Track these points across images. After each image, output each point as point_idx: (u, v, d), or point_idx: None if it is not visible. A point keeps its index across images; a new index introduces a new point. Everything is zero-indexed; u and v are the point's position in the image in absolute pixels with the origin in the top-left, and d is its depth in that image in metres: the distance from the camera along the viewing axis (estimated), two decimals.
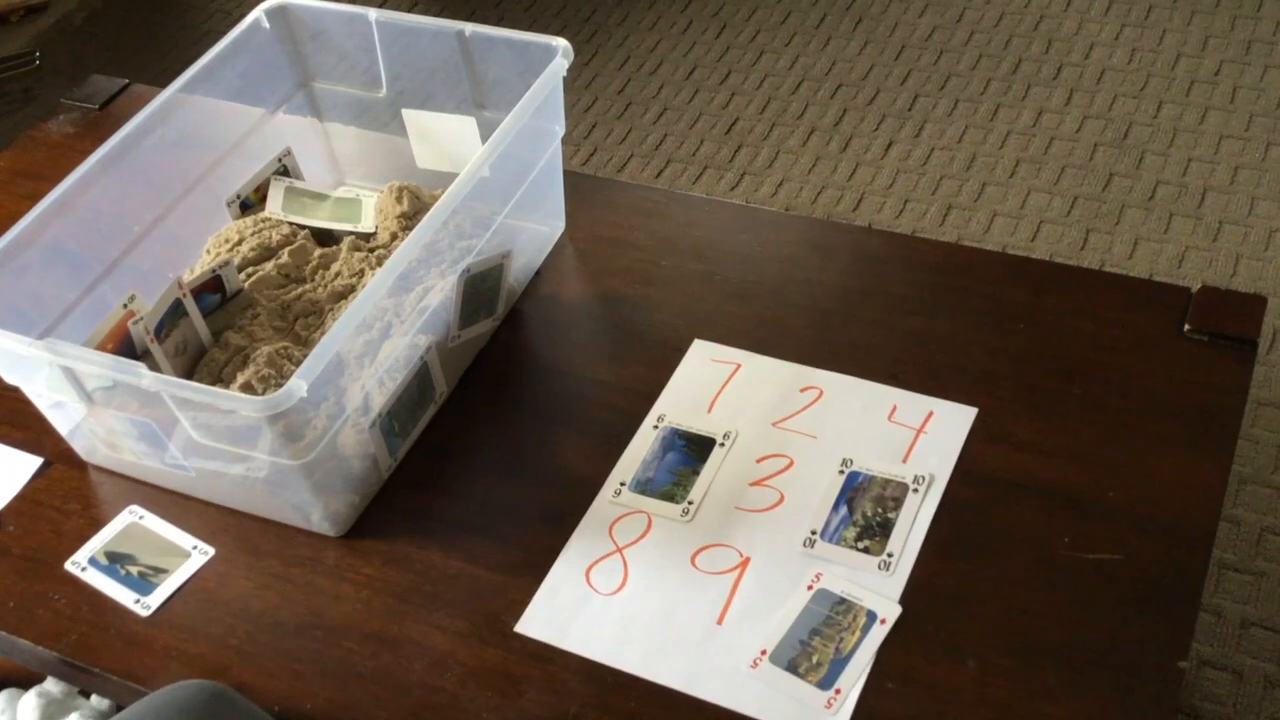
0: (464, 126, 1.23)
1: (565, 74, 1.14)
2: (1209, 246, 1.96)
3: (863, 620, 0.93)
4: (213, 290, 1.12)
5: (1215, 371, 1.06)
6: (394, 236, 1.21)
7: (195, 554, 1.05)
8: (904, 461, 1.03)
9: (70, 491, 1.11)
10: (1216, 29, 2.35)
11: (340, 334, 0.94)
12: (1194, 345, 1.09)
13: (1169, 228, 2.00)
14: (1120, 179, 2.09)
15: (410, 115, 1.26)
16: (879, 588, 0.95)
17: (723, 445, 1.07)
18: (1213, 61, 2.29)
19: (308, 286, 1.17)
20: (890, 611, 0.94)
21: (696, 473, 1.05)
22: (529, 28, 2.57)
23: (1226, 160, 2.09)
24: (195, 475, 1.05)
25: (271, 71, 1.28)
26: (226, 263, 1.13)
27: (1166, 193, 2.06)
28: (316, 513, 1.03)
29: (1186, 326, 1.10)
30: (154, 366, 1.04)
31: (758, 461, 1.05)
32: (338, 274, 1.18)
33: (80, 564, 1.05)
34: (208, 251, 1.22)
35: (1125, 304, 1.13)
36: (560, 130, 1.20)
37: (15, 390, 1.06)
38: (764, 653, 0.93)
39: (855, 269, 1.21)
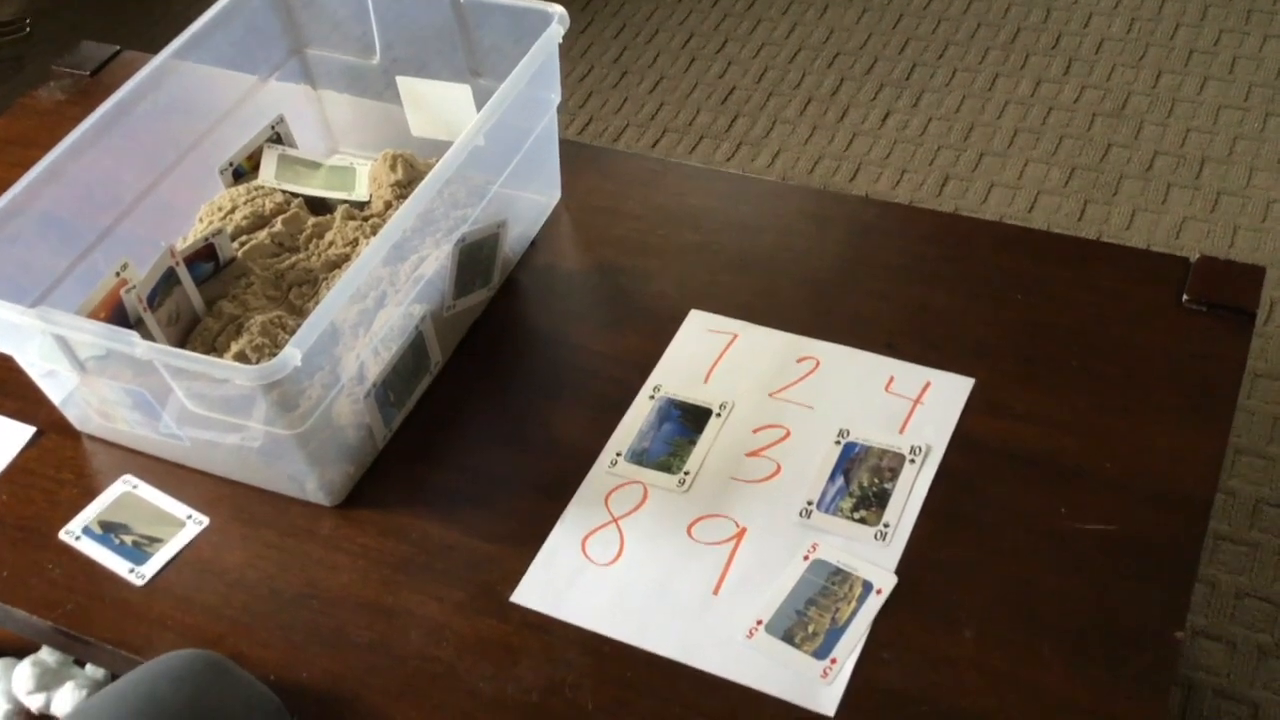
0: (459, 94, 1.22)
1: (561, 41, 1.13)
2: (1207, 217, 1.95)
3: (859, 590, 0.93)
4: (206, 258, 1.12)
5: (1213, 342, 1.06)
6: (388, 205, 1.20)
7: (190, 524, 1.05)
8: (901, 432, 1.03)
9: (63, 461, 1.11)
10: None
11: (335, 303, 0.94)
12: (1192, 316, 1.08)
13: (1167, 198, 1.99)
14: (1118, 149, 2.09)
15: (405, 83, 1.25)
16: (875, 558, 0.95)
17: (719, 415, 1.07)
18: (1212, 31, 2.27)
19: (301, 255, 1.16)
20: (886, 581, 0.94)
21: (693, 443, 1.05)
22: None
23: (1225, 130, 2.09)
24: (189, 445, 1.05)
25: (264, 38, 1.27)
26: (219, 231, 1.13)
27: (1164, 163, 2.05)
28: (312, 483, 1.02)
29: (1185, 297, 1.09)
30: (147, 335, 1.04)
31: (754, 432, 1.05)
32: (331, 243, 1.17)
33: (74, 533, 1.05)
34: (200, 220, 1.21)
35: (1123, 274, 1.13)
36: (556, 99, 1.19)
37: (7, 359, 1.06)
38: (760, 623, 0.93)
39: (852, 239, 1.21)
